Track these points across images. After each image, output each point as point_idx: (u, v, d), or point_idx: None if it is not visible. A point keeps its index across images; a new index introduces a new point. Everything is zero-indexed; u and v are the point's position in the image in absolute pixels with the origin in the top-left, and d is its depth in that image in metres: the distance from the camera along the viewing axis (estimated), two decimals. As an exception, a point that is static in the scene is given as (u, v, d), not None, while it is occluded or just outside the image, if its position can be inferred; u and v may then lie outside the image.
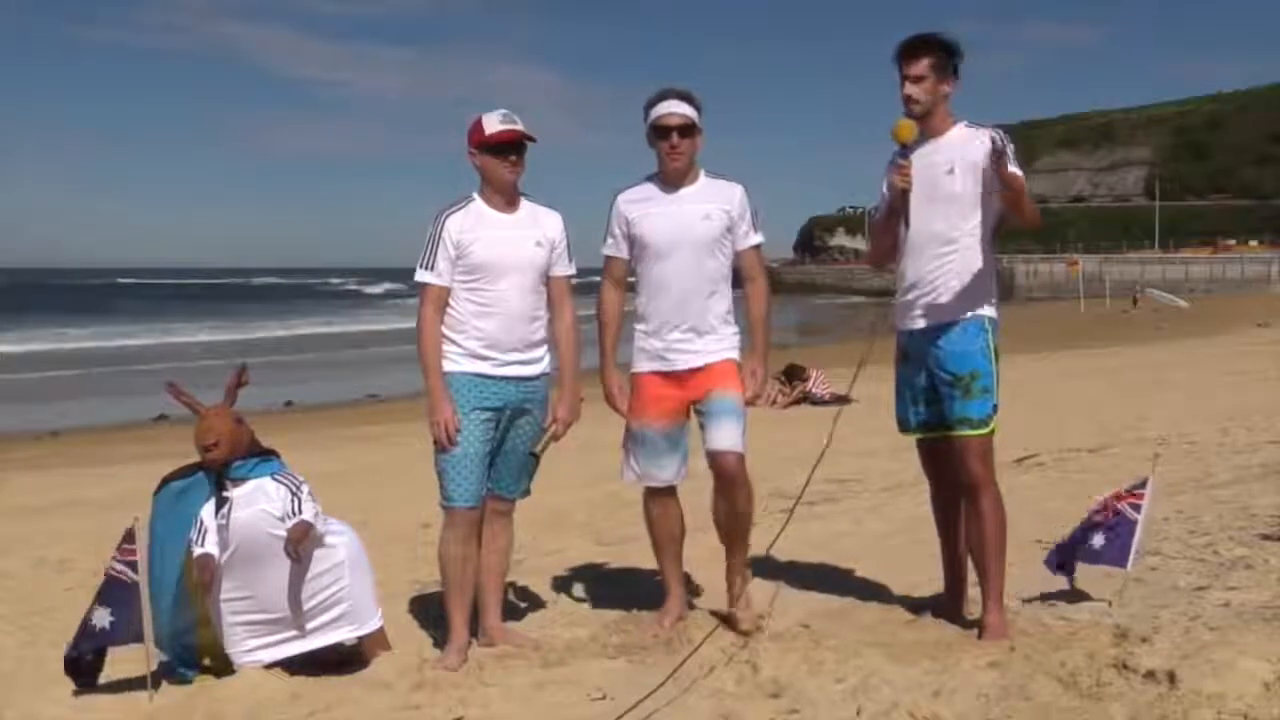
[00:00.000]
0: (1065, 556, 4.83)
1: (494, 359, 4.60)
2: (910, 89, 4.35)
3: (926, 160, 4.40)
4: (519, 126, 4.63)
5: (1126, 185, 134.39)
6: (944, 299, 4.36)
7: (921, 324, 4.42)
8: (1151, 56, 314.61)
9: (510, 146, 4.60)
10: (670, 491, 4.79)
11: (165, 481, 4.72)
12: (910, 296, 4.46)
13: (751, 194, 4.74)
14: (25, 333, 43.24)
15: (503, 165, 4.60)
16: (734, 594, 4.69)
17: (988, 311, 4.38)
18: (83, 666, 4.62)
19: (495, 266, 4.58)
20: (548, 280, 4.73)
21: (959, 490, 4.47)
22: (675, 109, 4.61)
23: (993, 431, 4.37)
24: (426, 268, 4.61)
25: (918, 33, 4.41)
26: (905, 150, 4.38)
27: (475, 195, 4.68)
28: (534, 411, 4.72)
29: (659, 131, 4.61)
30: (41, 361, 32.94)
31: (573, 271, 4.82)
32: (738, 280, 4.81)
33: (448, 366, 4.60)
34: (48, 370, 30.40)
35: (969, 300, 4.35)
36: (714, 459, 4.63)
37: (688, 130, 4.60)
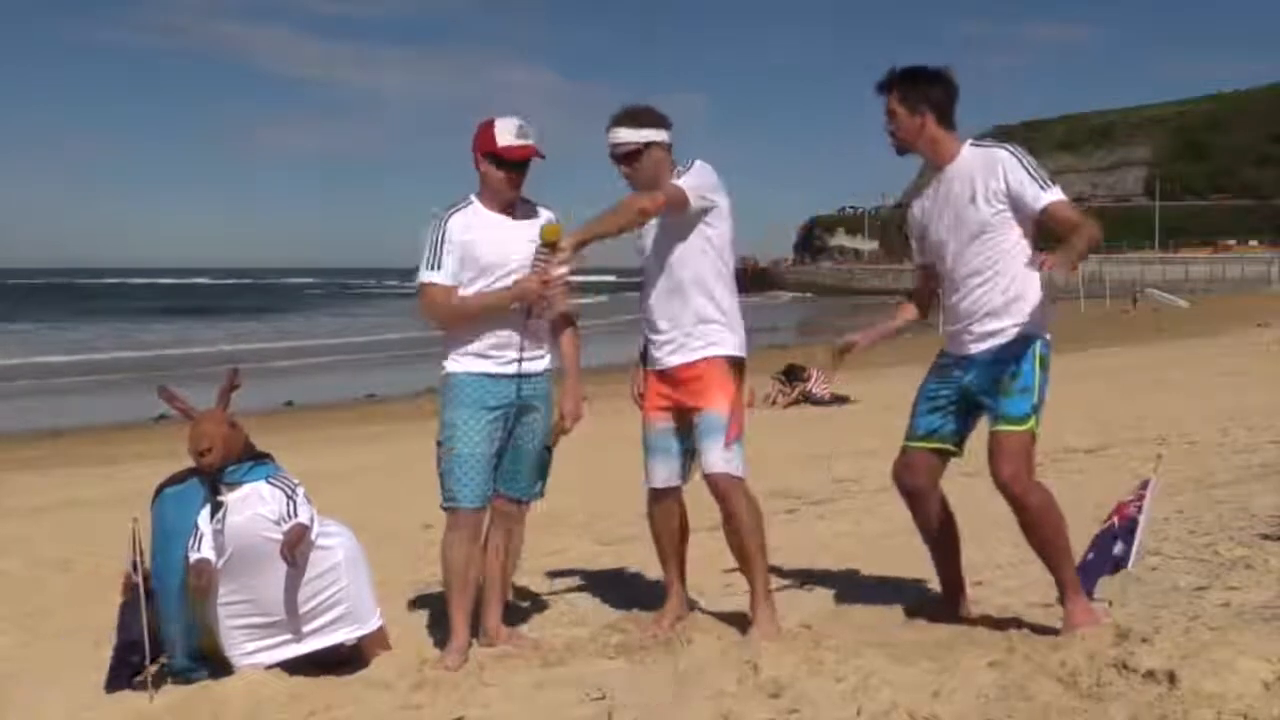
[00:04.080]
0: (1094, 574, 4.68)
1: (496, 357, 4.59)
2: (887, 126, 4.38)
3: (944, 191, 4.34)
4: (532, 143, 4.55)
5: (1126, 185, 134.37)
6: (991, 324, 4.28)
7: (974, 349, 4.33)
8: (1151, 56, 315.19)
9: (519, 164, 4.54)
10: (672, 493, 4.76)
11: (161, 488, 4.72)
12: (959, 326, 4.38)
13: (704, 159, 4.59)
14: (31, 335, 43.20)
15: (507, 180, 4.55)
16: (753, 613, 4.59)
17: (1037, 331, 4.28)
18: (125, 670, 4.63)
19: (495, 267, 4.55)
20: None
21: (923, 499, 4.48)
22: (616, 138, 4.55)
23: (1030, 431, 4.24)
24: (432, 267, 4.56)
25: (880, 77, 4.39)
26: (549, 250, 4.42)
27: (474, 197, 4.65)
28: (540, 408, 4.70)
29: (610, 159, 4.60)
30: (50, 364, 32.90)
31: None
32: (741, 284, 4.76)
33: (451, 367, 4.60)
34: (55, 372, 30.40)
35: (1017, 319, 4.26)
36: (706, 481, 4.58)
37: (630, 158, 4.53)
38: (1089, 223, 4.14)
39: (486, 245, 4.56)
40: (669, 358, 4.61)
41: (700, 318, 4.57)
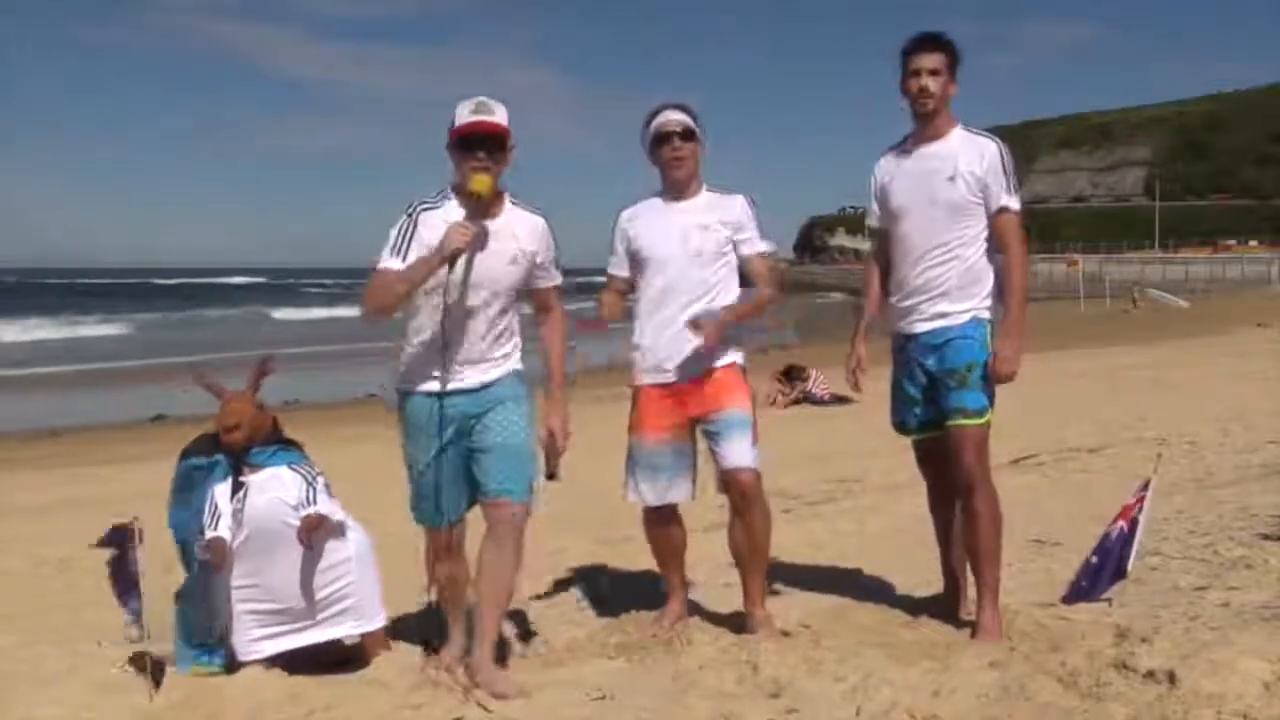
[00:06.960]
0: (1105, 577, 4.63)
1: (443, 376, 4.14)
2: (926, 80, 4.28)
3: (925, 165, 4.37)
4: (492, 118, 3.98)
5: (1126, 185, 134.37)
6: (943, 304, 4.34)
7: (921, 328, 4.39)
8: (1151, 56, 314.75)
9: (479, 141, 3.98)
10: (667, 509, 4.71)
11: (186, 453, 4.75)
12: (909, 301, 4.43)
13: (755, 204, 4.61)
14: (30, 335, 43.19)
15: (469, 163, 3.99)
16: (754, 615, 4.59)
17: (986, 313, 4.34)
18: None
19: (462, 281, 4.09)
20: (532, 290, 4.30)
21: (956, 490, 4.45)
22: (674, 115, 4.56)
23: (988, 424, 4.32)
24: (396, 254, 4.03)
25: (928, 30, 4.37)
26: (478, 201, 4.01)
27: (451, 194, 4.14)
28: (493, 408, 4.18)
29: (660, 139, 4.51)
30: (51, 361, 32.88)
31: (559, 280, 4.36)
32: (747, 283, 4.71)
33: (400, 385, 4.26)
34: (56, 373, 30.39)
35: (968, 302, 4.33)
36: (728, 477, 4.52)
37: (689, 135, 4.53)
38: (1021, 260, 4.29)
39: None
40: (692, 366, 4.55)
41: (729, 334, 4.56)
